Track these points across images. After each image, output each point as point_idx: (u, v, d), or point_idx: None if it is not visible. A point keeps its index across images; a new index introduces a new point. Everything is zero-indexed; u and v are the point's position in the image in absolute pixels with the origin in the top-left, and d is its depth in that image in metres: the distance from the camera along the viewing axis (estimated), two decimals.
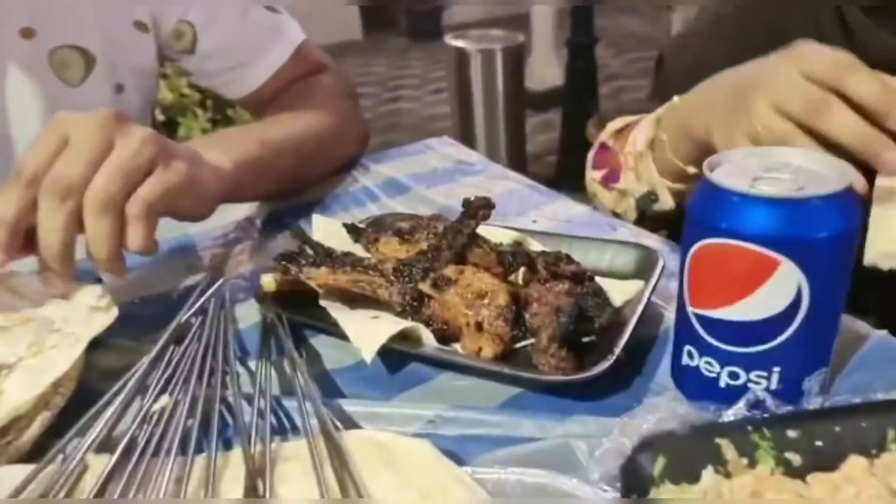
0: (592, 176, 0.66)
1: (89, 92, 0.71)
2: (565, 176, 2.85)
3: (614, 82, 4.14)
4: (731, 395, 0.36)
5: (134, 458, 0.36)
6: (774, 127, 0.40)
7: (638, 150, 0.58)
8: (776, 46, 0.45)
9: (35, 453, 0.37)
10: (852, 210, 0.34)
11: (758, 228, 0.33)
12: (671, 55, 0.80)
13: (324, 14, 5.71)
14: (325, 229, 0.57)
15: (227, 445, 0.39)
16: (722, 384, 0.37)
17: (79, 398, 0.41)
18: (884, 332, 0.45)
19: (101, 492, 0.34)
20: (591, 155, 0.72)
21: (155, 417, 0.40)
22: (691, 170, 0.54)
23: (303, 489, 0.33)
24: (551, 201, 0.70)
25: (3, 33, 0.65)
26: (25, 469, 0.35)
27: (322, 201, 0.73)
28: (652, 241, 0.58)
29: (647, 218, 0.61)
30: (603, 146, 0.66)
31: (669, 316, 0.48)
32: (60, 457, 0.36)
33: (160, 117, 1.90)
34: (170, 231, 0.62)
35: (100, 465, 0.35)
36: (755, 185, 0.34)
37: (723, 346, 0.36)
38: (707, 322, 0.36)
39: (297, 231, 0.56)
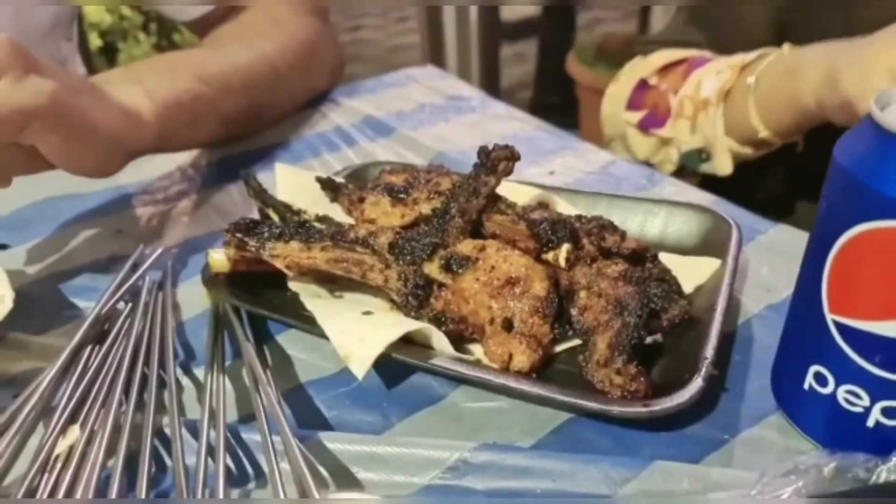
0: (626, 117, 0.54)
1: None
2: (543, 113, 2.71)
3: (589, 13, 3.95)
4: (882, 440, 0.26)
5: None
6: None
7: (703, 97, 0.46)
8: None
9: None
10: None
11: None
12: None
13: None
14: (293, 183, 0.44)
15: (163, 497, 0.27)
16: (870, 423, 0.26)
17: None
18: None
19: None
20: (615, 91, 0.60)
21: (62, 459, 0.28)
22: (775, 139, 0.42)
23: None
24: (568, 146, 0.57)
25: None
26: None
27: (286, 144, 0.59)
28: (709, 202, 0.47)
29: (688, 174, 0.49)
30: (643, 83, 0.53)
31: (748, 305, 0.37)
32: None
33: (97, 42, 1.68)
34: (89, 185, 0.48)
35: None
36: None
37: (878, 372, 0.25)
38: (856, 336, 0.25)
39: (255, 188, 0.42)
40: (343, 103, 0.67)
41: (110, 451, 0.28)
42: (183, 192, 0.52)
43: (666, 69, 0.54)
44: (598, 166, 0.53)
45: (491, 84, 2.82)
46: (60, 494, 0.26)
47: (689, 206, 0.41)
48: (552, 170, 0.53)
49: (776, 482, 0.24)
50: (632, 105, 0.54)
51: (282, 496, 0.26)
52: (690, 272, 0.37)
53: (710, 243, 0.38)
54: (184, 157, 0.56)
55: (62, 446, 0.29)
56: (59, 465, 0.28)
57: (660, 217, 0.41)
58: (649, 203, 0.42)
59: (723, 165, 0.47)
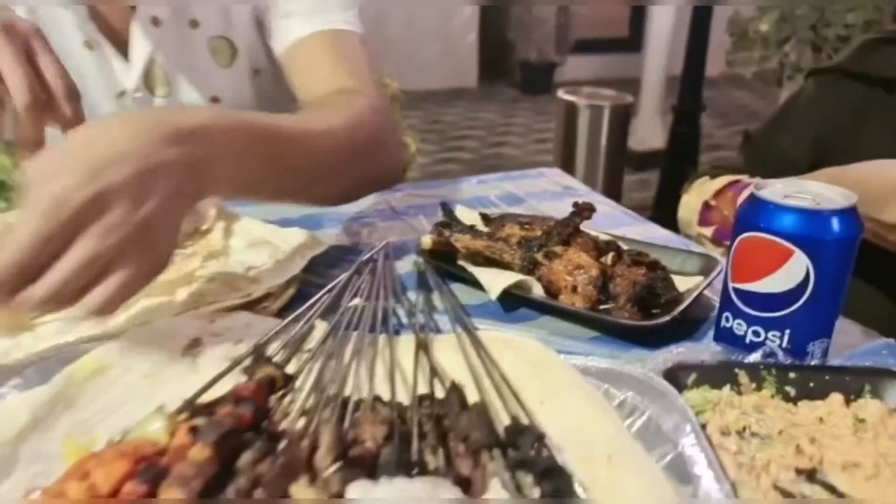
0: (702, 231, 0.81)
1: (237, 77, 0.91)
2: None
3: (716, 152, 4.21)
4: (753, 348, 0.51)
5: (341, 329, 0.55)
6: None
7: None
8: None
9: (280, 315, 0.57)
10: (851, 222, 0.49)
11: (780, 227, 0.48)
12: (758, 135, 0.95)
13: (445, 62, 6.06)
14: (465, 215, 0.76)
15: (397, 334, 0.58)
16: (747, 340, 0.52)
17: (304, 291, 0.61)
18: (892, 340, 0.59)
19: (321, 343, 0.53)
20: (689, 203, 0.88)
21: (352, 309, 0.59)
22: None
23: (452, 358, 0.51)
24: (641, 224, 0.86)
25: (179, 23, 0.86)
26: (276, 322, 0.54)
27: (458, 198, 0.92)
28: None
29: None
30: (707, 205, 0.82)
31: (710, 296, 0.64)
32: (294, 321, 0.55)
33: None
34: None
35: (320, 327, 0.54)
36: (785, 200, 0.50)
37: (750, 311, 0.52)
38: (741, 293, 0.52)
39: (448, 211, 0.75)
40: (491, 182, 1.00)
41: (373, 311, 0.59)
42: (387, 216, 0.86)
43: (720, 193, 0.81)
44: (654, 236, 0.82)
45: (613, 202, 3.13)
46: (353, 323, 0.56)
47: (697, 252, 0.69)
48: (624, 234, 0.82)
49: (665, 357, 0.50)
50: (702, 222, 0.82)
51: (458, 333, 0.55)
52: (686, 282, 0.64)
53: (705, 272, 0.65)
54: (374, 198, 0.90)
55: (354, 302, 0.59)
56: (351, 312, 0.59)
57: (679, 257, 0.69)
58: (674, 249, 0.70)
59: None
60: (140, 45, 0.84)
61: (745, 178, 0.84)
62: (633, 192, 3.62)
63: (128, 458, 0.36)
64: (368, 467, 0.36)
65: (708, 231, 0.83)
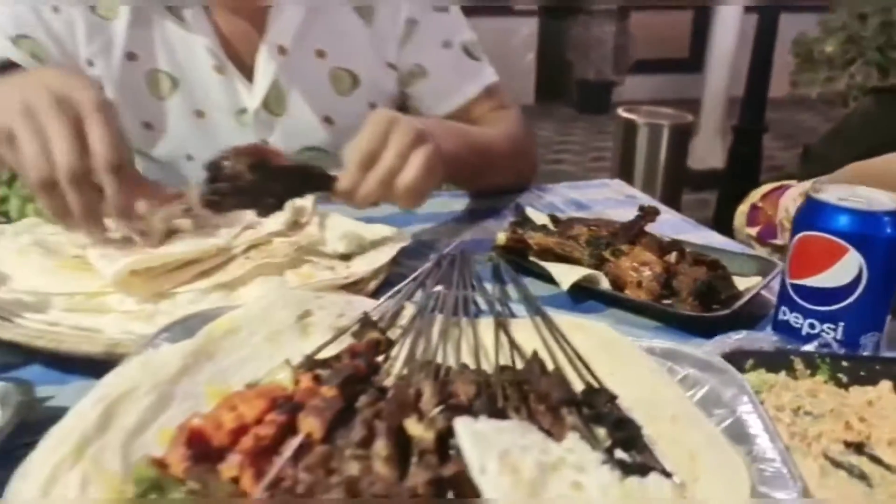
0: (748, 231, 0.86)
1: (353, 105, 1.00)
2: None
3: (777, 173, 4.15)
4: (808, 340, 0.56)
5: (427, 311, 0.61)
6: None
7: (792, 216, 0.79)
8: None
9: (373, 297, 0.64)
10: None
11: (835, 226, 0.53)
12: (815, 147, 0.99)
13: (503, 79, 6.13)
14: (535, 217, 0.83)
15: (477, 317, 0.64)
16: (803, 332, 0.57)
17: (391, 279, 0.69)
18: None
19: (411, 321, 0.60)
20: (743, 210, 0.93)
21: (436, 295, 0.65)
22: None
23: (528, 336, 0.57)
24: (701, 231, 0.91)
25: (305, 52, 0.96)
26: (373, 302, 0.61)
27: (527, 203, 0.99)
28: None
29: None
30: (754, 206, 0.86)
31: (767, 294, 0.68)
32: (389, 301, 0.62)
33: None
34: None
35: (409, 309, 0.61)
36: (839, 201, 0.54)
37: (806, 305, 0.56)
38: (798, 288, 0.56)
39: (520, 210, 0.81)
40: (557, 190, 1.06)
41: (455, 298, 0.66)
42: (462, 218, 0.92)
43: (766, 196, 0.86)
44: (714, 241, 0.86)
45: None
46: (437, 307, 0.63)
47: (756, 255, 0.73)
48: (685, 239, 0.87)
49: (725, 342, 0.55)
50: (749, 222, 0.87)
51: (533, 318, 0.61)
52: (746, 282, 0.68)
53: (764, 273, 0.70)
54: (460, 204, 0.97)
55: (437, 289, 0.66)
56: (434, 297, 0.66)
57: (738, 259, 0.73)
58: (733, 252, 0.74)
59: None
60: (265, 71, 0.93)
61: (791, 182, 0.88)
62: (692, 211, 3.60)
63: (265, 397, 0.44)
64: (465, 413, 0.43)
65: (753, 231, 0.88)
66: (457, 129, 0.93)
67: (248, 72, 0.94)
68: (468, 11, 1.10)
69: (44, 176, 0.58)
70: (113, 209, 0.61)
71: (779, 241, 0.86)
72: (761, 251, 0.88)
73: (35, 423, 0.46)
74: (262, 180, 0.64)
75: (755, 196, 0.91)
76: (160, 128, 0.95)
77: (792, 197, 0.79)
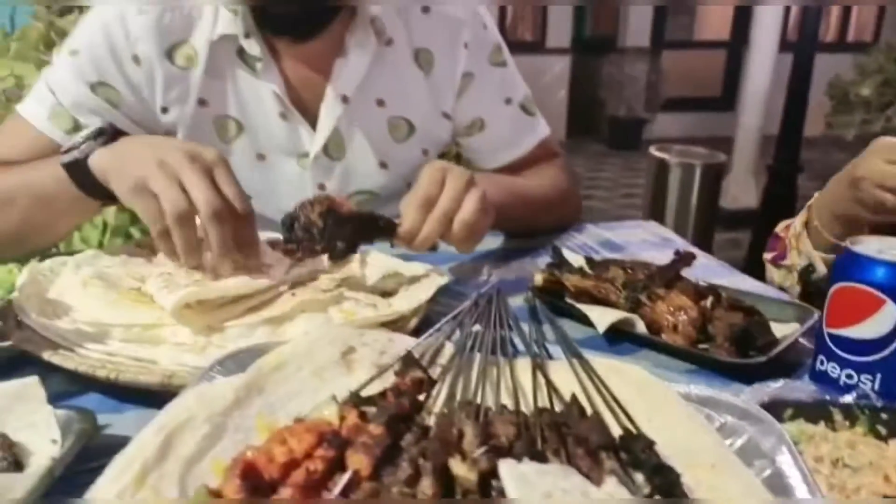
0: (765, 257, 0.87)
1: (407, 151, 1.05)
2: None
3: None
4: (846, 390, 0.56)
5: (465, 350, 0.63)
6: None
7: (797, 232, 0.80)
8: None
9: (412, 335, 0.66)
10: None
11: (872, 278, 0.54)
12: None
13: None
14: (571, 258, 0.84)
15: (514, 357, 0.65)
16: (841, 382, 0.57)
17: (430, 316, 0.71)
18: None
19: (451, 360, 0.61)
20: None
21: (474, 334, 0.67)
22: (836, 240, 0.76)
23: (565, 378, 0.58)
24: (737, 276, 0.91)
25: (366, 101, 0.99)
26: (413, 339, 0.63)
27: (561, 244, 1.00)
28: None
29: (810, 293, 0.81)
30: (775, 236, 0.88)
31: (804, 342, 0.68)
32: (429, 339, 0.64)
33: None
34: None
35: (448, 347, 0.63)
36: (878, 254, 0.55)
37: (844, 355, 0.56)
38: (835, 338, 0.57)
39: (557, 252, 0.83)
40: (591, 230, 1.07)
41: (492, 338, 0.67)
42: (499, 257, 0.94)
43: (788, 226, 0.88)
44: (749, 286, 0.86)
45: None
46: (476, 346, 0.65)
47: (793, 303, 0.74)
48: (721, 283, 0.87)
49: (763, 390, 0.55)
50: (768, 248, 0.88)
51: (570, 359, 0.62)
52: (783, 329, 0.68)
53: (801, 319, 0.70)
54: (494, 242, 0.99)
55: (475, 328, 0.68)
56: (472, 336, 0.67)
57: (775, 306, 0.73)
58: (770, 299, 0.75)
59: (820, 269, 0.78)
60: (327, 118, 0.97)
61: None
62: (724, 250, 3.57)
63: (313, 431, 0.45)
64: (506, 454, 0.44)
65: (769, 255, 0.89)
66: (503, 181, 0.99)
67: (310, 118, 0.98)
68: None
69: (181, 210, 0.64)
70: (239, 248, 0.68)
71: (787, 262, 0.87)
72: (773, 273, 0.89)
73: (95, 450, 0.49)
74: (332, 227, 0.70)
75: (779, 227, 0.93)
76: None
77: (800, 214, 0.81)
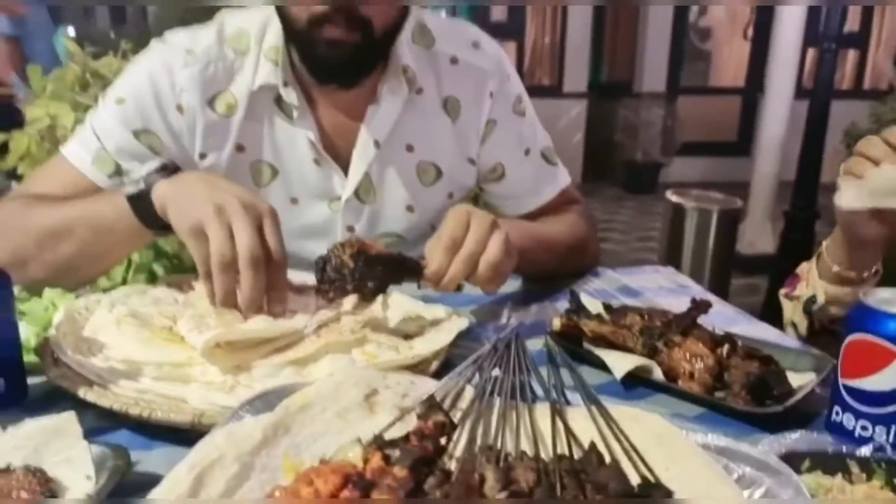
0: (781, 292, 0.89)
1: (434, 195, 1.08)
2: None
3: None
4: (862, 441, 0.56)
5: (485, 394, 0.64)
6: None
7: (810, 265, 0.81)
8: None
9: (434, 377, 0.68)
10: None
11: (885, 331, 0.55)
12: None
13: None
14: (589, 304, 0.86)
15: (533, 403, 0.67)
16: (856, 434, 0.57)
17: (450, 359, 0.72)
18: None
19: (471, 404, 0.62)
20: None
21: (494, 379, 0.68)
22: (846, 272, 0.79)
23: (584, 426, 0.59)
24: (755, 324, 0.92)
25: (396, 146, 1.03)
26: (432, 384, 0.64)
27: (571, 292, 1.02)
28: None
29: (816, 331, 0.82)
30: (795, 274, 0.90)
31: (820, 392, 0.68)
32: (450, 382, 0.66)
33: None
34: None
35: (468, 391, 0.64)
36: (891, 307, 0.56)
37: (859, 407, 0.57)
38: (850, 390, 0.58)
39: (575, 298, 0.84)
40: (608, 275, 1.09)
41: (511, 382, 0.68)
42: (518, 300, 0.96)
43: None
44: (766, 335, 0.87)
45: None
46: (496, 390, 0.66)
47: (810, 352, 0.74)
48: (738, 331, 0.88)
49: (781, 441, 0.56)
50: (785, 284, 0.89)
51: (588, 405, 0.63)
52: (799, 378, 0.69)
53: (818, 368, 0.71)
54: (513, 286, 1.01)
55: (494, 373, 0.69)
56: (492, 381, 0.68)
57: (792, 354, 0.74)
58: (786, 347, 0.76)
59: (820, 300, 0.79)
60: (359, 163, 1.01)
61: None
62: (741, 296, 3.55)
63: (338, 473, 0.47)
64: (527, 500, 0.45)
65: (784, 290, 0.91)
66: (524, 226, 1.03)
67: (342, 162, 1.02)
68: None
69: (226, 259, 0.69)
70: (269, 293, 0.73)
71: (796, 293, 0.89)
72: (787, 307, 0.90)
73: (127, 486, 0.51)
74: (363, 268, 0.74)
75: (800, 268, 0.95)
76: None
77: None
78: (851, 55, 7.42)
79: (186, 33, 0.96)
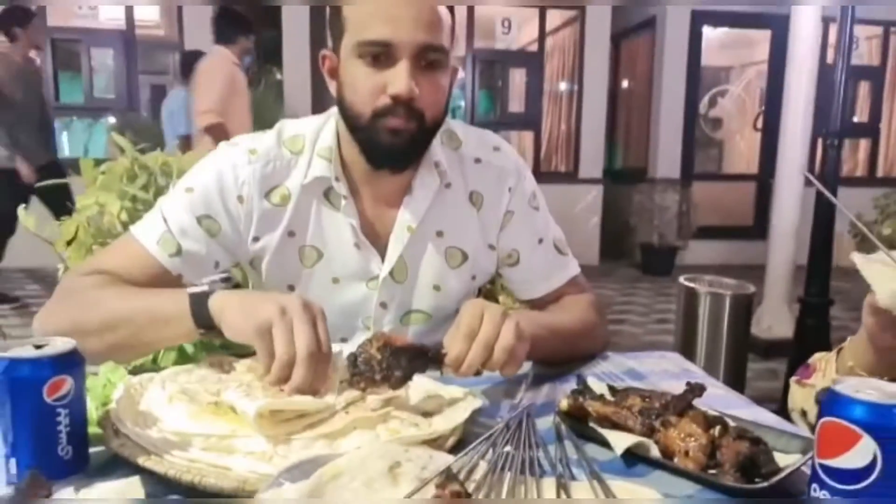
0: (792, 379, 0.95)
1: (459, 277, 1.19)
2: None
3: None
4: None
5: (497, 468, 0.71)
6: None
7: (829, 357, 0.88)
8: None
9: (450, 452, 0.75)
10: None
11: (851, 414, 0.62)
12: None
13: (569, 240, 6.40)
14: (595, 385, 0.93)
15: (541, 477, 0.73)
16: None
17: (466, 436, 0.79)
18: None
19: (484, 477, 0.69)
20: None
21: (506, 454, 0.75)
22: (862, 372, 0.84)
23: (587, 498, 0.65)
24: (752, 408, 0.98)
25: (427, 232, 1.15)
26: (449, 458, 0.72)
27: (578, 375, 1.09)
28: None
29: None
30: (807, 364, 0.96)
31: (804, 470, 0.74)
32: (465, 457, 0.73)
33: None
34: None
35: (482, 465, 0.72)
36: (856, 393, 0.63)
37: (832, 483, 0.63)
38: (825, 468, 0.64)
39: (582, 380, 0.92)
40: (615, 359, 1.16)
41: (522, 458, 0.75)
42: (530, 381, 1.03)
43: (822, 358, 0.96)
44: (763, 419, 0.93)
45: (736, 391, 3.09)
46: (506, 466, 0.73)
47: (798, 435, 0.80)
48: (735, 414, 0.94)
49: None
50: (797, 373, 0.96)
51: (591, 482, 0.69)
52: (787, 459, 0.75)
53: (805, 451, 0.77)
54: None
55: (506, 449, 0.76)
56: (504, 457, 0.75)
57: (783, 438, 0.80)
58: (778, 430, 0.82)
59: None
60: (395, 247, 1.14)
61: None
62: (760, 381, 3.54)
63: None
64: None
65: (795, 377, 0.98)
66: (536, 316, 1.13)
67: (379, 247, 1.14)
68: (539, 177, 1.33)
69: (288, 359, 0.80)
70: (318, 378, 0.82)
71: (811, 381, 0.95)
72: (797, 393, 0.96)
73: None
74: (389, 359, 0.83)
75: (814, 357, 1.01)
76: (302, 290, 1.15)
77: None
78: (864, 143, 7.59)
79: (251, 137, 1.13)
